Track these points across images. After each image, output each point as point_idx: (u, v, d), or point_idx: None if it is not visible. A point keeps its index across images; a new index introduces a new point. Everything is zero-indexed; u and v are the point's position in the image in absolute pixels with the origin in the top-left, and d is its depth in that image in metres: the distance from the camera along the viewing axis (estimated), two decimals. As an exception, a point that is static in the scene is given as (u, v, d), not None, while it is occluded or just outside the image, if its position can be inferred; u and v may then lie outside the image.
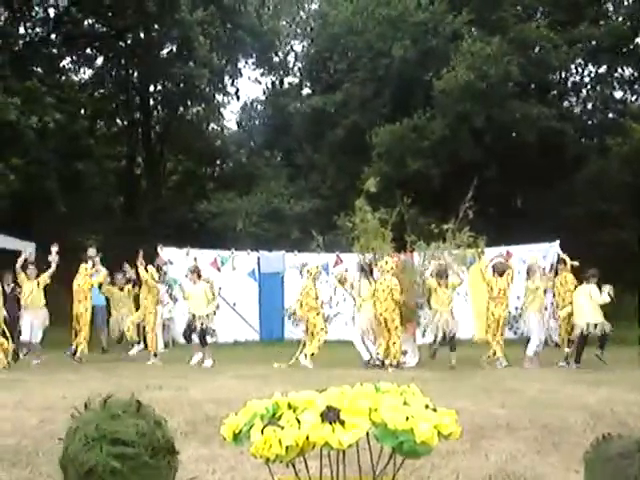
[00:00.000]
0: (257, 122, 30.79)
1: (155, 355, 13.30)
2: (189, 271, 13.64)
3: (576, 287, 12.64)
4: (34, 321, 12.90)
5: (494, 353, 12.35)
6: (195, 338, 12.92)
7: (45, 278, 13.08)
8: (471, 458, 5.51)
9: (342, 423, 2.22)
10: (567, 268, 13.43)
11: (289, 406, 2.35)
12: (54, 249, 13.24)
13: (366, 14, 24.57)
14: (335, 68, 26.74)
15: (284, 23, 30.33)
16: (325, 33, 26.72)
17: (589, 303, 12.03)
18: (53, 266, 13.12)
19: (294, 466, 2.35)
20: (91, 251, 15.13)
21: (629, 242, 18.36)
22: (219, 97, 30.30)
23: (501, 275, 12.58)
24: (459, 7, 23.27)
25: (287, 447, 2.21)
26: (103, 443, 1.54)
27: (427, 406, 2.38)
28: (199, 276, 13.35)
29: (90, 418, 1.59)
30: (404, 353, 12.41)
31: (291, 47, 31.29)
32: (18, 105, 18.11)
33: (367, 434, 2.28)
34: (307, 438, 2.21)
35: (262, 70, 31.10)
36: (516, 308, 15.52)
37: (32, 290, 12.92)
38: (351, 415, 2.25)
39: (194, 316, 12.92)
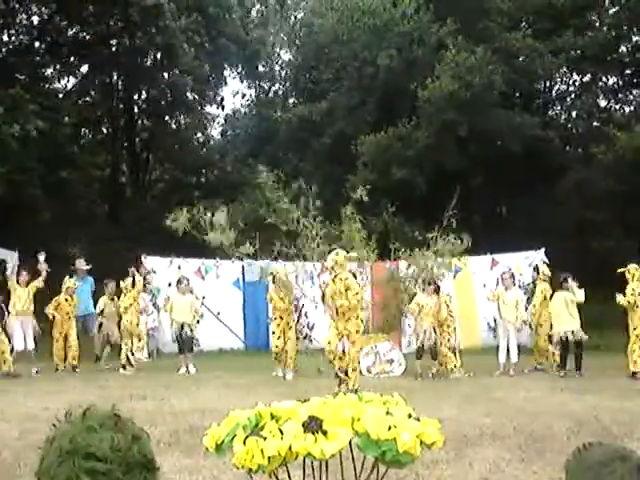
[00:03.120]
0: (242, 131, 30.73)
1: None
2: (179, 282, 13.69)
3: (551, 296, 12.57)
4: (27, 330, 12.68)
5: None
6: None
7: (36, 285, 12.84)
8: (455, 467, 5.51)
9: (324, 433, 2.21)
10: (545, 281, 12.83)
11: (272, 416, 2.33)
12: (41, 257, 13.04)
13: (352, 23, 24.68)
14: (321, 77, 26.78)
15: (270, 32, 30.33)
16: (311, 42, 26.78)
17: (565, 310, 12.06)
18: (44, 274, 12.87)
19: (277, 476, 2.32)
20: (80, 262, 15.01)
21: (614, 249, 18.44)
22: (204, 105, 30.27)
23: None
24: (444, 17, 23.39)
25: (269, 457, 2.19)
26: (76, 457, 1.51)
27: (410, 415, 2.37)
28: (191, 291, 13.61)
29: (67, 430, 1.56)
30: (390, 362, 12.38)
31: (277, 56, 31.31)
32: (1, 113, 17.99)
33: (350, 444, 2.26)
34: (290, 448, 2.20)
35: (248, 79, 31.11)
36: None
37: (22, 297, 12.69)
38: (334, 425, 2.23)
39: (181, 324, 13.12)
